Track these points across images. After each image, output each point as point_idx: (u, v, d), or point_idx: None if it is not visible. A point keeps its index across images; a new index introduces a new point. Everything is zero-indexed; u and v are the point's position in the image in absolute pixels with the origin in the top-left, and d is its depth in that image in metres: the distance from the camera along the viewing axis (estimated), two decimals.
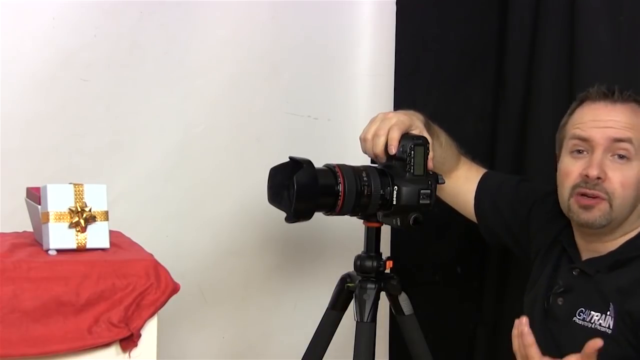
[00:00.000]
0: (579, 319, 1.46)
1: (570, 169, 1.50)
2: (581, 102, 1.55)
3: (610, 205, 1.45)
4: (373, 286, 1.61)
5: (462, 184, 1.75)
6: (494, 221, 1.72)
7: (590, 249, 1.51)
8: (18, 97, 1.80)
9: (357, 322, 1.60)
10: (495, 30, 2.12)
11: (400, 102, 2.24)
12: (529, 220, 1.65)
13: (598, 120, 1.49)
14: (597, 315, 1.43)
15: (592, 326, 1.43)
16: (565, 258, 1.55)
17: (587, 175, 1.45)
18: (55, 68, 1.83)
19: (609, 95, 1.51)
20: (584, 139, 1.49)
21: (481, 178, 1.75)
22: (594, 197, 1.45)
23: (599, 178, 1.45)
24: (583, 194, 1.46)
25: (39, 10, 1.81)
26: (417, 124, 1.58)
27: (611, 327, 1.40)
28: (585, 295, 1.46)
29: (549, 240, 1.60)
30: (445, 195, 1.77)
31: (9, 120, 1.78)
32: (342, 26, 2.25)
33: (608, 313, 1.41)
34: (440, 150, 1.69)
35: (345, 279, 1.67)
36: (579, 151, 1.50)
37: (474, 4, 2.18)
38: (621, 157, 1.46)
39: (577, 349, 1.44)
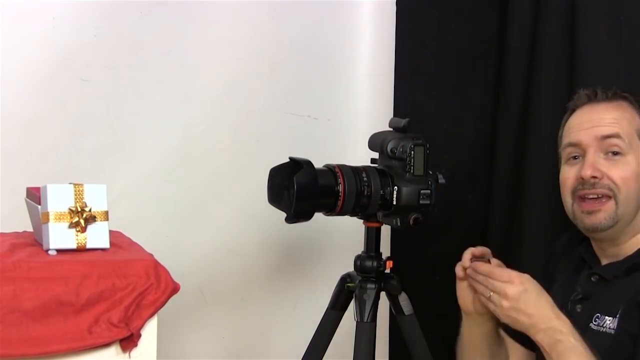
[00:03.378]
0: (594, 324, 1.44)
1: (567, 175, 1.51)
2: (571, 112, 1.56)
3: (616, 202, 1.44)
4: (373, 286, 1.61)
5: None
6: None
7: (608, 254, 1.50)
8: (18, 97, 1.80)
9: (357, 322, 1.59)
10: (495, 30, 2.12)
11: (400, 102, 2.24)
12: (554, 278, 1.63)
13: (584, 123, 1.50)
14: (609, 320, 1.41)
15: (604, 330, 1.42)
16: (585, 266, 1.54)
17: (582, 177, 1.45)
18: (55, 68, 1.84)
19: (592, 97, 1.52)
20: (575, 144, 1.50)
21: None
22: (598, 197, 1.45)
23: (594, 177, 1.45)
24: (584, 196, 1.46)
25: (39, 10, 1.81)
26: None
27: (616, 326, 1.39)
28: (602, 301, 1.45)
29: (571, 260, 1.60)
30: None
31: (8, 120, 1.78)
32: (342, 26, 2.25)
33: (617, 315, 1.40)
34: None
35: (345, 279, 1.67)
36: (575, 157, 1.50)
37: (474, 4, 2.18)
38: (615, 153, 1.46)
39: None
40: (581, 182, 1.46)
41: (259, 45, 2.11)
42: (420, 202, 1.56)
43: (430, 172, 1.58)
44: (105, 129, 1.93)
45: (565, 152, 1.53)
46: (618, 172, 1.45)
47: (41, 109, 1.83)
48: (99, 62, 1.89)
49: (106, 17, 1.88)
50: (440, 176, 1.60)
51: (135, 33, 1.93)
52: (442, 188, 1.61)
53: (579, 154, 1.49)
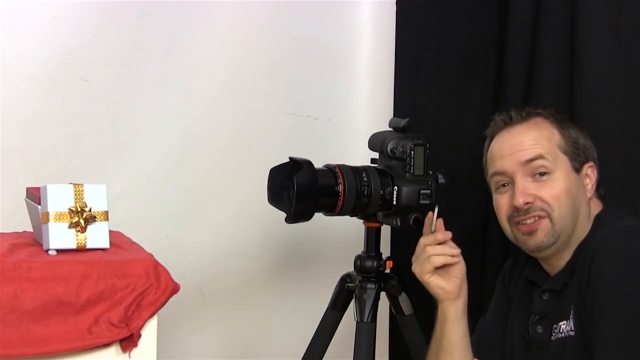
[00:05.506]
0: (554, 336, 1.44)
1: (500, 203, 1.51)
2: (490, 139, 1.56)
3: (551, 220, 1.44)
4: (373, 286, 1.61)
5: None
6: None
7: (557, 268, 1.50)
8: (18, 97, 1.80)
9: (357, 322, 1.60)
10: (495, 30, 2.12)
11: (400, 102, 2.23)
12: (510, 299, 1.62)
13: (505, 149, 1.50)
14: (564, 324, 1.41)
15: (563, 335, 1.41)
16: (534, 287, 1.54)
17: (515, 206, 1.46)
18: (55, 68, 1.84)
19: (507, 121, 1.52)
20: (501, 173, 1.50)
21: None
22: (534, 218, 1.45)
23: (527, 203, 1.45)
24: (521, 222, 1.47)
25: (39, 10, 1.81)
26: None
27: (573, 328, 1.39)
28: (557, 312, 1.45)
29: (519, 283, 1.60)
30: None
31: (9, 120, 1.78)
32: (342, 26, 2.25)
33: (570, 316, 1.40)
34: None
35: (345, 279, 1.67)
36: (504, 185, 1.50)
37: (473, 3, 2.17)
38: (542, 174, 1.46)
39: None
40: (515, 210, 1.47)
41: (259, 45, 2.11)
42: (420, 202, 1.56)
43: (430, 172, 1.58)
44: (105, 129, 1.93)
45: (493, 181, 1.53)
46: (548, 191, 1.45)
47: (41, 109, 1.83)
48: (99, 62, 1.89)
49: (106, 17, 1.88)
50: (440, 176, 1.60)
51: (135, 33, 1.93)
52: (442, 188, 1.61)
53: (507, 181, 1.49)
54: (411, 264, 1.51)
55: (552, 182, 1.46)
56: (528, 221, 1.46)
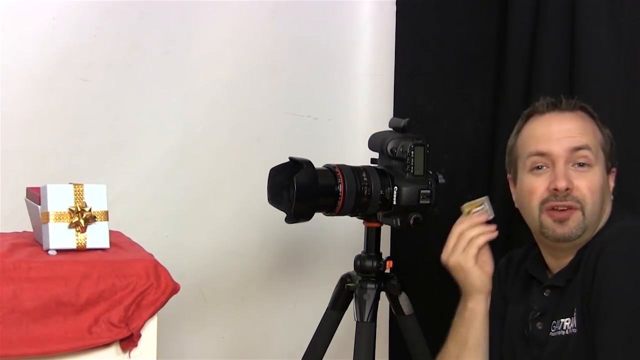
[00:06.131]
0: (553, 332, 1.43)
1: (534, 185, 1.47)
2: (528, 118, 1.53)
3: (583, 213, 1.43)
4: (373, 286, 1.61)
5: None
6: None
7: (562, 263, 1.48)
8: (18, 97, 1.80)
9: (357, 322, 1.60)
10: (495, 30, 2.12)
11: (400, 102, 2.24)
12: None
13: (554, 132, 1.48)
14: (567, 321, 1.40)
15: (565, 332, 1.40)
16: (534, 282, 1.53)
17: (555, 189, 1.43)
18: (55, 68, 1.84)
19: (557, 104, 1.50)
20: (543, 154, 1.47)
21: None
22: (567, 208, 1.43)
23: (567, 189, 1.43)
24: (554, 208, 1.44)
25: (39, 10, 1.81)
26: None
27: (576, 325, 1.38)
28: (558, 309, 1.44)
29: (518, 279, 1.59)
30: None
31: (9, 120, 1.78)
32: (342, 26, 2.25)
33: (574, 314, 1.39)
34: None
35: (345, 279, 1.68)
36: (539, 167, 1.48)
37: (474, 4, 2.18)
38: (582, 165, 1.45)
39: None
40: (554, 193, 1.44)
41: (259, 45, 2.11)
42: (420, 202, 1.56)
43: (430, 172, 1.59)
44: (105, 129, 1.93)
45: (528, 161, 1.49)
46: (586, 183, 1.44)
47: (41, 109, 1.83)
48: (99, 62, 1.89)
49: (106, 17, 1.88)
50: (440, 176, 1.60)
51: (135, 33, 1.93)
52: (442, 188, 1.61)
53: (545, 164, 1.47)
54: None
55: (592, 176, 1.45)
56: (561, 207, 1.43)
